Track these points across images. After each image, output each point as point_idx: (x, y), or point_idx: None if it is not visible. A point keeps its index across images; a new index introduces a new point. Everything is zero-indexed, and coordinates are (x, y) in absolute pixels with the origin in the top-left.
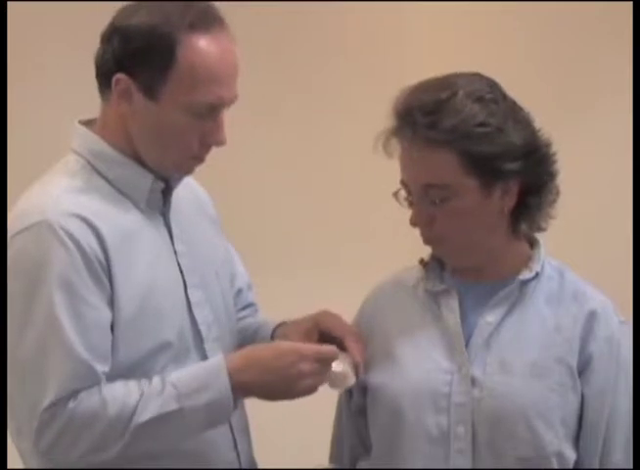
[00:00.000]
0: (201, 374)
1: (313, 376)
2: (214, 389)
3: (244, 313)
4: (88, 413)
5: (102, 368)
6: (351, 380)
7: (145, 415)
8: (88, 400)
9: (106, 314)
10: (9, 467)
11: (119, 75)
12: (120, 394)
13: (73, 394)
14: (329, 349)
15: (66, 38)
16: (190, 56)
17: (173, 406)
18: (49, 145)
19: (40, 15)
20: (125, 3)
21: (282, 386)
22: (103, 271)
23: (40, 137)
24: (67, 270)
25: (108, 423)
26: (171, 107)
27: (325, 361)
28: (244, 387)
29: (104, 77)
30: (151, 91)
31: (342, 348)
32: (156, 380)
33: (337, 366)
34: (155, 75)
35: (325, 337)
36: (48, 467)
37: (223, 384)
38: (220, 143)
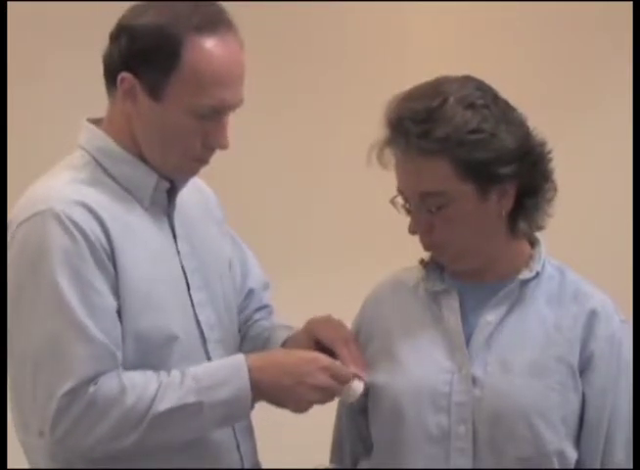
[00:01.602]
0: (221, 370)
1: (325, 391)
2: (234, 385)
3: (257, 316)
4: (108, 399)
5: (119, 353)
6: (359, 389)
7: (163, 405)
8: (108, 385)
9: (112, 301)
10: (9, 467)
11: (125, 74)
12: (140, 382)
13: (94, 377)
14: (346, 371)
15: (68, 38)
16: (195, 58)
17: (192, 399)
18: (50, 145)
19: (44, 14)
20: (133, 2)
21: (294, 392)
22: (108, 259)
23: (41, 137)
24: (71, 257)
25: (126, 410)
26: (174, 108)
27: (340, 380)
28: (259, 385)
29: (110, 76)
30: (155, 91)
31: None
32: (175, 372)
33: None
34: (159, 76)
35: (321, 345)
36: (58, 458)
37: (243, 381)
38: (223, 146)
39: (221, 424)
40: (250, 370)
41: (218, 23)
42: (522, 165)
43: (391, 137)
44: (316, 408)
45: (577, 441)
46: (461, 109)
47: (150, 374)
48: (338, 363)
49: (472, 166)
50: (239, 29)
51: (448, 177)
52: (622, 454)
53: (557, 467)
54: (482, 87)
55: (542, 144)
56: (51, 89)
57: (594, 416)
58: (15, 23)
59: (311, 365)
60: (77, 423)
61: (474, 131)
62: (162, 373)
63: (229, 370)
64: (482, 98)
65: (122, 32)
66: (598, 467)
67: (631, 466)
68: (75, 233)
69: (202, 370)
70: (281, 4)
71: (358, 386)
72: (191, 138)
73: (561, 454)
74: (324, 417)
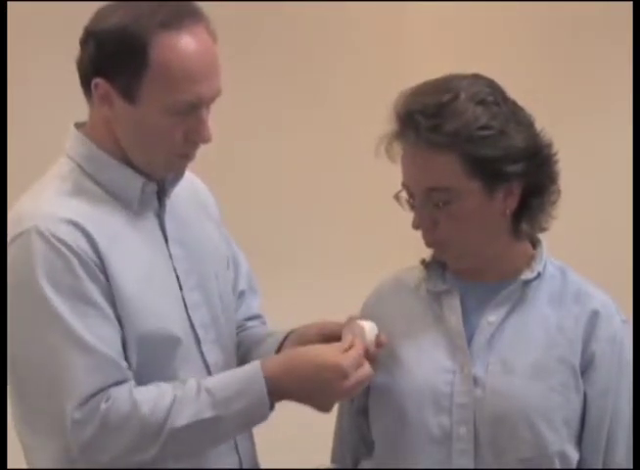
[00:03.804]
0: (236, 381)
1: (348, 395)
2: (251, 396)
3: (250, 324)
4: (120, 416)
5: (124, 363)
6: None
7: (180, 420)
8: (119, 402)
9: (109, 311)
10: (9, 467)
11: (97, 80)
12: (152, 395)
13: (101, 389)
14: (366, 371)
15: (68, 37)
16: (162, 55)
17: (209, 414)
18: (50, 145)
19: (40, 14)
20: (103, 3)
21: (319, 398)
22: (99, 270)
23: (42, 137)
24: (61, 273)
25: (140, 426)
26: (150, 108)
27: (363, 382)
28: (280, 394)
29: (85, 82)
30: (129, 94)
31: None
32: (190, 383)
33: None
34: (130, 78)
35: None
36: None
37: (260, 391)
38: (205, 140)
39: (240, 432)
40: (267, 379)
41: (184, 17)
42: (529, 165)
43: (400, 131)
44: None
45: (579, 441)
46: (472, 105)
47: (164, 386)
48: (357, 361)
49: (479, 163)
50: (236, 30)
51: (456, 173)
52: (624, 454)
53: (558, 468)
54: (492, 85)
55: (549, 145)
56: (53, 89)
57: (596, 416)
58: (16, 22)
59: (334, 373)
60: (93, 440)
61: (483, 127)
62: (178, 384)
63: (245, 381)
64: (493, 95)
65: (89, 38)
66: (600, 467)
67: (631, 466)
68: (63, 249)
69: (217, 381)
70: (282, 4)
71: (372, 327)
72: (172, 136)
73: (562, 455)
74: (324, 417)
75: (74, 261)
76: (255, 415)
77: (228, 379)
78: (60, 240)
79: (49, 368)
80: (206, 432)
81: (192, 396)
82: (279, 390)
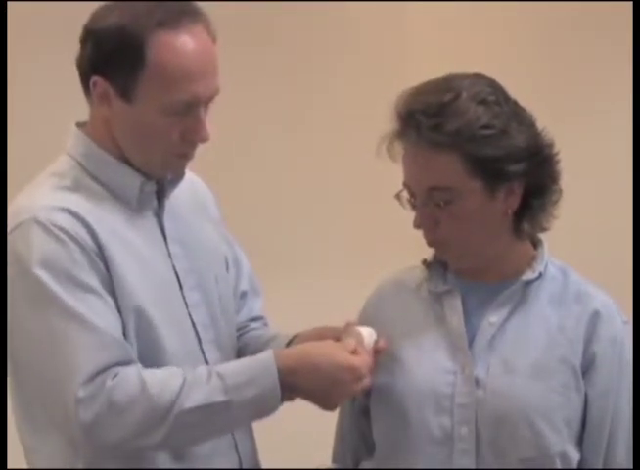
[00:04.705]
0: (248, 369)
1: (355, 395)
2: (263, 385)
3: (253, 325)
4: (126, 396)
5: (130, 346)
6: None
7: (189, 402)
8: (127, 382)
9: (110, 300)
10: (9, 467)
11: (96, 79)
12: (161, 376)
13: (109, 368)
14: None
15: (68, 37)
16: (159, 55)
17: (220, 398)
18: (50, 144)
19: (40, 14)
20: (102, 4)
21: (328, 396)
22: (99, 259)
23: (42, 137)
24: (62, 261)
25: (147, 406)
26: (147, 107)
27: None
28: (290, 386)
29: (84, 80)
30: (126, 93)
31: None
32: (200, 368)
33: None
34: (127, 77)
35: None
36: (83, 451)
37: (272, 381)
38: (203, 139)
39: (249, 421)
40: (280, 371)
41: (182, 17)
42: (530, 165)
43: (402, 130)
44: (317, 408)
45: (580, 441)
46: (473, 104)
47: (173, 369)
48: (370, 366)
49: (481, 162)
50: (236, 30)
51: (457, 173)
52: (625, 455)
53: (559, 468)
54: (494, 85)
55: (551, 145)
56: (53, 88)
57: (597, 417)
58: (16, 22)
59: (349, 375)
60: (98, 420)
61: (485, 127)
62: (187, 369)
63: (258, 369)
64: (494, 95)
65: (88, 37)
66: (600, 467)
67: (631, 466)
68: (63, 237)
69: (229, 367)
70: (282, 4)
71: (370, 333)
72: (169, 135)
73: (563, 456)
74: (325, 417)
75: (75, 248)
76: (265, 405)
77: (240, 367)
78: (59, 228)
79: (52, 353)
80: (215, 417)
81: (203, 379)
82: (290, 382)
